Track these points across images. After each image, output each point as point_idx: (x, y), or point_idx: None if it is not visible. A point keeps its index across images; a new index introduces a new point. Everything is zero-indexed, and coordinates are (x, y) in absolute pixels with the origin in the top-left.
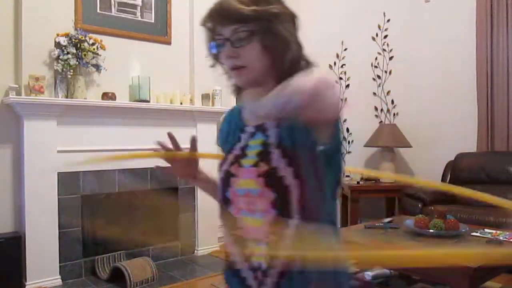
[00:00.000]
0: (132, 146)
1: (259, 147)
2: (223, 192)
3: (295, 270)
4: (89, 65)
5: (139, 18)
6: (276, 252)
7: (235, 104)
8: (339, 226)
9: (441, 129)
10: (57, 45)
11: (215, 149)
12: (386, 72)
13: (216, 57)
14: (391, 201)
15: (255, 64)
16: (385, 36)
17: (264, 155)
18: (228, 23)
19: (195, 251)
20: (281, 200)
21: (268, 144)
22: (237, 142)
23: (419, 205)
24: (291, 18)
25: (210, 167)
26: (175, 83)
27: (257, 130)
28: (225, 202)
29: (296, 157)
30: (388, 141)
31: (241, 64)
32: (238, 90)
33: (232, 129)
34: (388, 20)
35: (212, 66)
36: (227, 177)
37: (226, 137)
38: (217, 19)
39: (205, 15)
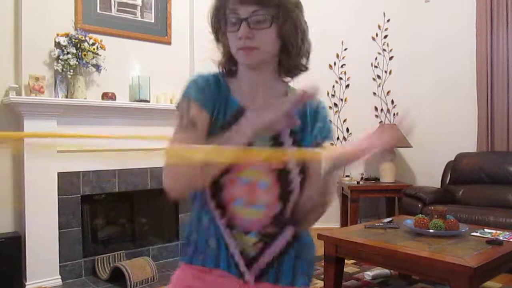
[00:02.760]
0: (132, 146)
1: (269, 141)
2: (218, 176)
3: (284, 257)
4: (89, 65)
5: (139, 18)
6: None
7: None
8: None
9: (441, 129)
10: (57, 45)
11: None
12: (386, 72)
13: (218, 34)
14: (391, 201)
15: (268, 48)
16: (385, 36)
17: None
18: (249, 3)
19: None
20: (285, 196)
21: (279, 139)
22: (230, 121)
23: (419, 205)
24: (303, 10)
25: None
26: (175, 83)
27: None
28: (216, 187)
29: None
30: None
31: (254, 45)
32: (231, 73)
33: (220, 101)
34: (388, 20)
35: (214, 41)
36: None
37: (211, 104)
38: None
39: None
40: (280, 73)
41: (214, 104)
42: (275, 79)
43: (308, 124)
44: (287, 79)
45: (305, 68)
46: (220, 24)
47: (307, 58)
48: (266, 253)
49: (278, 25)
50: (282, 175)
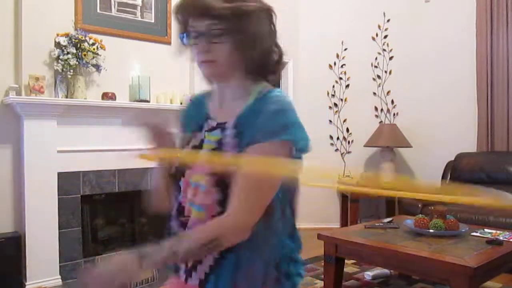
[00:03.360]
0: (132, 146)
1: (214, 144)
2: (177, 180)
3: (225, 261)
4: (89, 65)
5: (139, 18)
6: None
7: (199, 92)
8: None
9: (441, 129)
10: (57, 45)
11: None
12: (386, 72)
13: (183, 48)
14: (391, 201)
15: (224, 60)
16: (385, 36)
17: (217, 153)
18: (202, 18)
19: None
20: (223, 200)
21: (223, 143)
22: (198, 130)
23: (419, 205)
24: (267, 13)
25: None
26: (175, 83)
27: (218, 126)
28: (177, 189)
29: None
30: (388, 141)
31: (211, 58)
32: (210, 81)
33: (196, 114)
34: (388, 20)
35: (178, 55)
36: (182, 167)
37: (190, 120)
38: (191, 11)
39: (178, 4)
40: (248, 77)
41: (191, 120)
42: (242, 86)
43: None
44: (263, 80)
45: (278, 66)
46: (184, 38)
47: (271, 56)
48: (208, 257)
49: (232, 37)
50: (220, 180)
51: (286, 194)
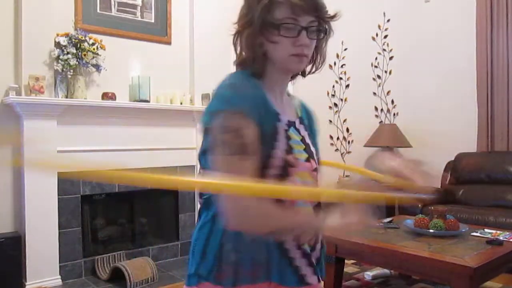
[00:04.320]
0: (132, 146)
1: (300, 143)
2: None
3: (322, 250)
4: (89, 65)
5: (139, 18)
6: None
7: (248, 78)
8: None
9: (441, 129)
10: (57, 45)
11: None
12: (386, 72)
13: (258, 30)
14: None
15: (309, 57)
16: (385, 36)
17: (309, 150)
18: (310, 14)
19: None
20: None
21: (306, 142)
22: (274, 131)
23: (419, 205)
24: None
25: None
26: (175, 83)
27: (290, 125)
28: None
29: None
30: (388, 141)
31: (308, 53)
32: (256, 75)
33: (260, 108)
34: (388, 20)
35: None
36: (285, 167)
37: (256, 112)
38: (302, 4)
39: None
40: (293, 77)
41: (259, 113)
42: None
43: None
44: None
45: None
46: (266, 26)
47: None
48: (316, 248)
49: (322, 37)
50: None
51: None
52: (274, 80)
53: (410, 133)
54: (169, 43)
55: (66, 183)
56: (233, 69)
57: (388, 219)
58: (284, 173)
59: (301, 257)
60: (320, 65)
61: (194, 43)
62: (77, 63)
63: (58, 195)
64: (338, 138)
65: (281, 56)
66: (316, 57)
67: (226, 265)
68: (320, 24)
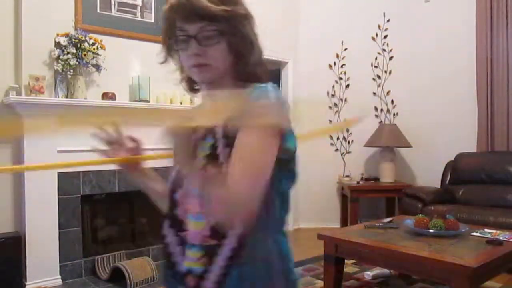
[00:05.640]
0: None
1: (207, 150)
2: (172, 193)
3: (233, 274)
4: (89, 65)
5: (139, 18)
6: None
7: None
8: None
9: (441, 129)
10: (57, 45)
11: None
12: (386, 72)
13: (170, 53)
14: (391, 201)
15: (220, 63)
16: (385, 36)
17: (212, 158)
18: (195, 20)
19: None
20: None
21: (215, 147)
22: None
23: (419, 205)
24: (253, 20)
25: None
26: (175, 83)
27: (207, 133)
28: (172, 203)
29: None
30: (388, 141)
31: (206, 62)
32: (192, 88)
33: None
34: (388, 20)
35: (163, 62)
36: (179, 178)
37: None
38: (183, 14)
39: (168, 7)
40: (239, 83)
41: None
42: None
43: None
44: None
45: (264, 74)
46: (171, 42)
47: (262, 64)
48: (212, 271)
49: (228, 39)
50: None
51: (283, 184)
52: (203, 91)
53: (410, 133)
54: None
55: (66, 183)
56: None
57: (388, 219)
58: (176, 184)
59: (187, 274)
60: (251, 65)
61: None
62: (77, 63)
63: (58, 195)
64: (338, 138)
65: (187, 69)
66: (239, 57)
67: None
68: (216, 25)
